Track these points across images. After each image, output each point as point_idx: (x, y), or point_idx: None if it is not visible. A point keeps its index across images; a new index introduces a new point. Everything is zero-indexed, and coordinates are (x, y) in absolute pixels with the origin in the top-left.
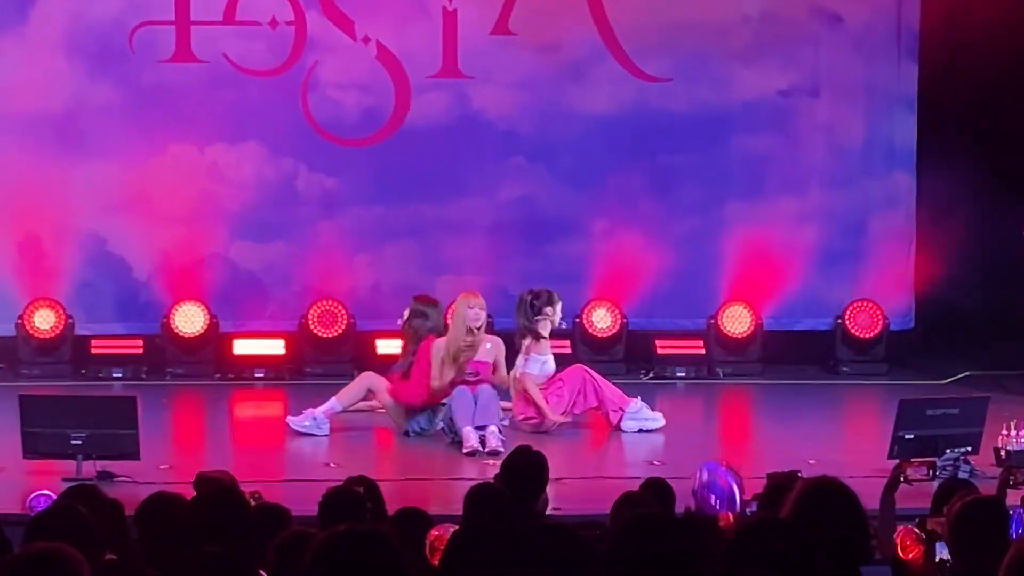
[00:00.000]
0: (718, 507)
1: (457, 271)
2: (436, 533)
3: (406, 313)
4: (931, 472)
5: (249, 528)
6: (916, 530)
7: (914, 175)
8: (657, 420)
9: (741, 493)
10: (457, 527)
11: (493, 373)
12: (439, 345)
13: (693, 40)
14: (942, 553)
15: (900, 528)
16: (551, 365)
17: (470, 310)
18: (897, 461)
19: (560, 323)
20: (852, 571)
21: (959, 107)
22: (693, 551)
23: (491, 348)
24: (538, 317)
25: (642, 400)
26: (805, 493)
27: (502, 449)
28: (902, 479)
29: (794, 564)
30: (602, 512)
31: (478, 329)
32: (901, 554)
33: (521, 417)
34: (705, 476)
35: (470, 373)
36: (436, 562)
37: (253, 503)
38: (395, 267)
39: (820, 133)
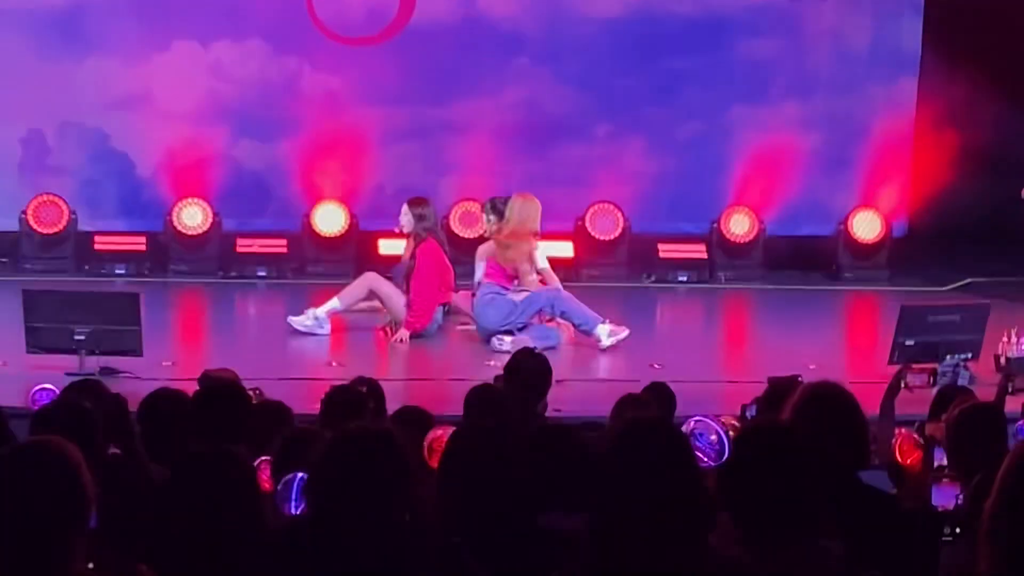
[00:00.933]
0: (707, 461)
1: (460, 172)
2: (435, 434)
3: (407, 218)
4: (932, 379)
5: (251, 425)
6: (915, 435)
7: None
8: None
9: (730, 445)
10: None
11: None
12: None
13: None
14: (940, 458)
15: (898, 432)
16: None
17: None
18: (898, 367)
19: None
20: (849, 475)
21: (966, 11)
22: (690, 455)
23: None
24: None
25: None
26: (805, 397)
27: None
28: (903, 385)
29: (793, 467)
30: (602, 414)
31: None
32: (899, 459)
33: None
34: (692, 426)
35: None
36: (434, 463)
37: (254, 400)
38: (398, 168)
39: (826, 37)
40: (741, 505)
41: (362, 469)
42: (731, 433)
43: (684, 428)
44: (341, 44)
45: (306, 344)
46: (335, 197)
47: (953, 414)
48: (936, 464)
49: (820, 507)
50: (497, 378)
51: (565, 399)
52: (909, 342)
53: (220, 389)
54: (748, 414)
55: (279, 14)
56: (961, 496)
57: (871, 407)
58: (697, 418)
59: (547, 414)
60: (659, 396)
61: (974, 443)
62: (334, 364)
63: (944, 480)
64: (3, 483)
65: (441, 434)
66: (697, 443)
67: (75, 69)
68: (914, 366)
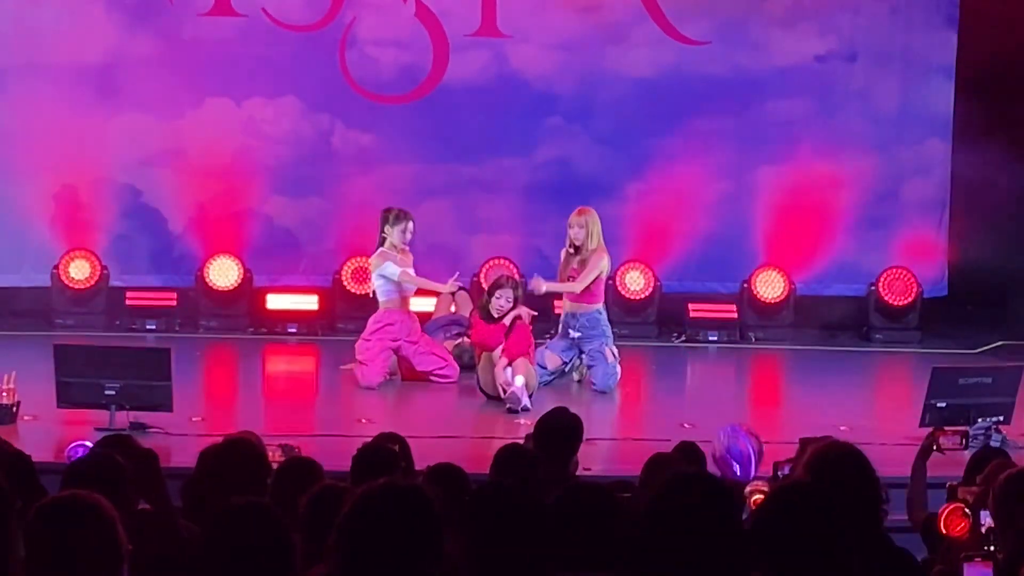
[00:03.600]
0: (738, 472)
1: (491, 231)
2: None
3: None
4: (964, 441)
5: (281, 481)
6: (962, 506)
7: (949, 143)
8: None
9: (759, 456)
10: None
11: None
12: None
13: (732, 4)
14: (986, 520)
15: (947, 506)
16: None
17: None
18: (930, 429)
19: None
20: (874, 533)
21: (997, 75)
22: (730, 509)
23: None
24: None
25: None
26: (815, 457)
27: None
28: (935, 448)
29: (824, 526)
30: (632, 474)
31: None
32: (945, 531)
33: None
34: (724, 441)
35: None
36: None
37: (285, 456)
38: (430, 225)
39: (856, 99)
40: (773, 564)
41: (390, 524)
42: (759, 443)
43: (715, 442)
44: (374, 102)
45: (336, 401)
46: (365, 254)
47: (999, 480)
48: (984, 528)
49: (851, 568)
50: (528, 436)
51: (595, 458)
52: (940, 404)
53: (229, 449)
54: (780, 473)
55: (312, 72)
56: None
57: (902, 469)
58: (726, 431)
59: (577, 473)
60: (689, 455)
61: (1022, 508)
62: (364, 421)
63: (977, 559)
64: (39, 536)
65: None
66: (729, 455)
67: (108, 125)
68: (947, 429)
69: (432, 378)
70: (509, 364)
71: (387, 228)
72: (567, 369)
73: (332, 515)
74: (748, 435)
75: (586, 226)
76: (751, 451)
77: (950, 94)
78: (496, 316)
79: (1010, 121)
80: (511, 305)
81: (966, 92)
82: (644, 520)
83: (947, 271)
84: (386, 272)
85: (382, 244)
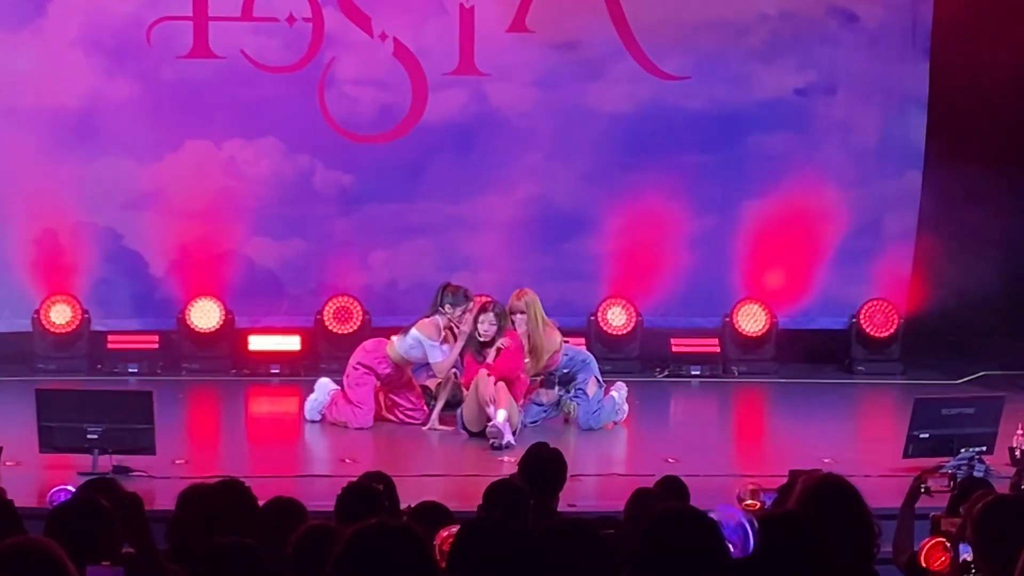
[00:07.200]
0: (732, 551)
1: (473, 268)
2: (445, 534)
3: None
4: (952, 483)
5: (266, 522)
6: (944, 540)
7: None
8: None
9: (755, 534)
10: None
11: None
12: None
13: (711, 39)
14: (965, 554)
15: (928, 541)
16: None
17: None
18: (918, 472)
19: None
20: (865, 566)
21: (969, 105)
22: (720, 542)
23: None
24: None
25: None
26: (809, 490)
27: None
28: (922, 490)
29: (809, 556)
30: (616, 509)
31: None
32: (926, 565)
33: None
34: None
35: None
36: (444, 565)
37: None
38: (411, 264)
39: (836, 132)
40: None
41: (383, 564)
42: (755, 522)
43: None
44: (354, 141)
45: (319, 441)
46: (347, 294)
47: (977, 508)
48: (961, 559)
49: None
50: (513, 475)
51: (579, 494)
52: (924, 435)
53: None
54: (764, 500)
55: (292, 112)
56: None
57: (886, 500)
58: (719, 508)
59: (561, 509)
60: (673, 490)
61: (1000, 537)
62: (348, 461)
63: (973, 574)
64: None
65: (451, 533)
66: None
67: (88, 169)
68: (934, 470)
69: (399, 416)
70: (496, 383)
71: (449, 307)
72: (560, 403)
73: (319, 555)
74: (742, 513)
75: (528, 308)
76: (746, 525)
77: (923, 126)
78: (481, 340)
79: (983, 151)
80: (495, 328)
81: (938, 123)
82: (632, 557)
83: (928, 302)
84: (431, 355)
85: (434, 313)
